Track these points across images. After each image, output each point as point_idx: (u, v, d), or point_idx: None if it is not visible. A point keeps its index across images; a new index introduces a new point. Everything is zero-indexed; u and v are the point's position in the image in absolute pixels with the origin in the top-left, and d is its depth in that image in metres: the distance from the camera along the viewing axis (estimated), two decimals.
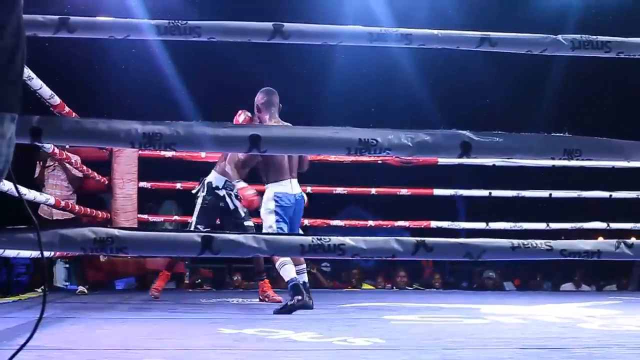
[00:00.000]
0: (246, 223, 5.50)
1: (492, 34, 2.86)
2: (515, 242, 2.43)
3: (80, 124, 2.39)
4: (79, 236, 2.22)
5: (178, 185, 7.09)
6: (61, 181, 6.35)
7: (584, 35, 2.81)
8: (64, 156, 5.45)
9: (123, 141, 2.36)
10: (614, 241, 2.49)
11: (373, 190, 7.50)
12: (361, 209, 11.81)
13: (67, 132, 2.39)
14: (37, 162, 6.33)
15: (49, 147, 4.71)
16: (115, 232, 2.25)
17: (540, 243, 2.43)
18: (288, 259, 4.59)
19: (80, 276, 6.48)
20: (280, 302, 4.93)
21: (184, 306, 5.02)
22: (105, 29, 2.84)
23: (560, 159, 2.55)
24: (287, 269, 4.58)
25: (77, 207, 5.94)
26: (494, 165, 6.99)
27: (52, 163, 6.28)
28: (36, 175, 6.27)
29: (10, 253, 3.94)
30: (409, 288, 8.11)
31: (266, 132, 2.44)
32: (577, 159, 2.55)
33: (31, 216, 1.99)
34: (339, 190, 7.31)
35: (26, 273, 8.01)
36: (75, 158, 5.84)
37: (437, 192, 7.45)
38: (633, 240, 2.54)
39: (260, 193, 4.87)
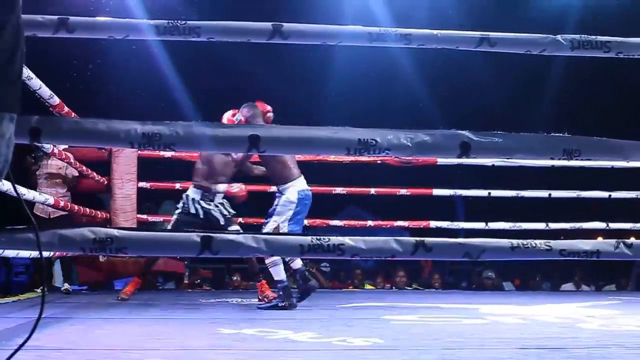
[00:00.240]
0: (230, 229, 5.44)
1: (492, 34, 2.86)
2: (515, 242, 2.43)
3: (80, 124, 2.39)
4: (78, 236, 2.22)
5: (177, 186, 7.07)
6: (55, 179, 6.35)
7: (583, 35, 2.81)
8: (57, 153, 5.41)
9: (122, 141, 2.36)
10: (613, 241, 2.49)
11: (372, 191, 7.50)
12: (360, 209, 11.81)
13: (67, 132, 2.38)
14: (29, 161, 6.33)
15: (48, 147, 4.71)
16: (115, 232, 2.25)
17: (539, 243, 2.43)
18: (278, 257, 4.65)
19: (67, 274, 6.48)
20: None
21: (184, 306, 5.02)
22: (104, 29, 2.84)
23: (559, 159, 2.55)
24: (277, 270, 4.64)
25: (69, 205, 5.91)
26: (493, 165, 6.99)
27: (45, 161, 6.29)
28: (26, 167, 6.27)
29: (10, 253, 3.93)
30: (408, 288, 8.11)
31: (265, 132, 2.44)
32: (577, 159, 2.55)
33: (30, 216, 1.99)
34: (339, 190, 7.31)
35: (25, 273, 8.01)
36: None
37: (437, 192, 7.45)
38: (632, 240, 2.54)
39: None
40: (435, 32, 2.85)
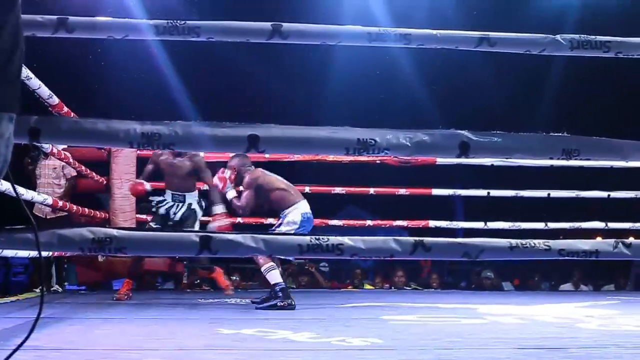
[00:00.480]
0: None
1: (491, 34, 2.86)
2: (514, 241, 2.43)
3: (79, 124, 2.39)
4: (77, 236, 2.21)
5: None
6: (52, 179, 6.34)
7: (583, 35, 2.81)
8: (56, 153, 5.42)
9: (122, 141, 2.36)
10: (612, 241, 2.49)
11: (372, 190, 7.50)
12: (360, 208, 11.82)
13: (66, 132, 2.38)
14: (26, 161, 6.33)
15: (46, 146, 4.70)
16: (114, 232, 2.25)
17: (538, 243, 2.43)
18: (273, 263, 4.69)
19: (59, 276, 6.47)
20: None
21: (183, 306, 5.02)
22: (104, 29, 2.84)
23: (558, 158, 2.55)
24: (274, 274, 4.67)
25: (68, 205, 5.90)
26: (492, 165, 6.99)
27: (42, 161, 6.29)
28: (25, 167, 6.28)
29: (8, 253, 3.93)
30: (407, 288, 8.11)
31: (265, 132, 2.43)
32: (576, 159, 2.55)
33: (29, 216, 1.99)
34: (338, 190, 7.31)
35: (24, 273, 8.01)
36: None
37: (436, 192, 7.46)
38: (631, 240, 2.54)
39: None
40: (434, 32, 2.86)
